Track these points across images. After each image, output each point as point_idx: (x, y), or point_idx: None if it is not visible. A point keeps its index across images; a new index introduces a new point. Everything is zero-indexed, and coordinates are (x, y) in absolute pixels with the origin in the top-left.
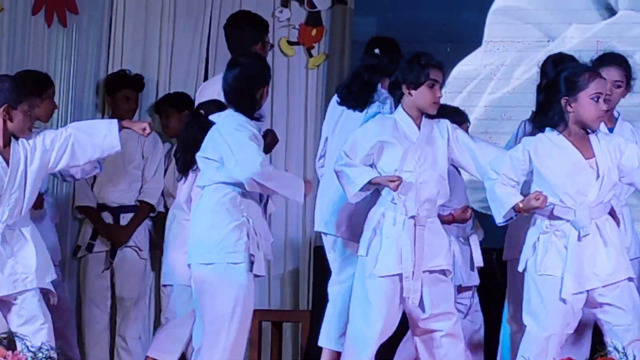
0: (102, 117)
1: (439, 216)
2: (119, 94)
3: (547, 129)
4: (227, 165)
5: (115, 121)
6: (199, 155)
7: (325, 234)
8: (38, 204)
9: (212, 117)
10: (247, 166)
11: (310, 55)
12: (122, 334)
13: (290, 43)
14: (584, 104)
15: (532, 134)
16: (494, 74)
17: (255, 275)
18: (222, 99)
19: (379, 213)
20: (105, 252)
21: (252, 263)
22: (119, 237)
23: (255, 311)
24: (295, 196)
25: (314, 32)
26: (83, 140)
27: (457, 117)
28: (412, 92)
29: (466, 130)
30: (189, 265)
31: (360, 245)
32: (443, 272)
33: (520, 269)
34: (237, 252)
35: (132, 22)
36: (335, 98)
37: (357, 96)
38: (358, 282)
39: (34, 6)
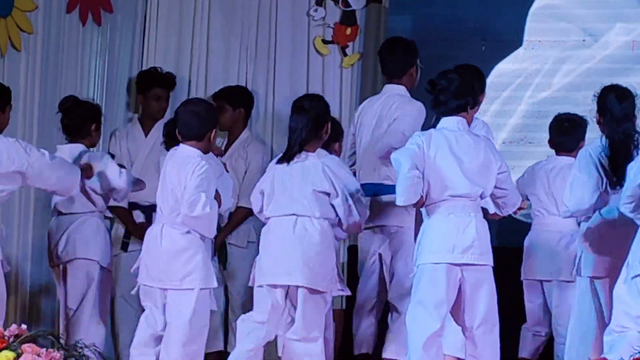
0: (133, 115)
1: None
2: (149, 93)
3: None
4: None
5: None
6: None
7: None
8: None
9: None
10: None
11: (345, 54)
12: None
13: (325, 42)
14: None
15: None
16: (536, 74)
17: None
18: None
19: None
20: (139, 251)
21: None
22: None
23: None
24: None
25: (348, 31)
26: None
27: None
28: (470, 111)
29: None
30: None
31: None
32: None
33: None
34: None
35: (166, 21)
36: None
37: None
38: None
39: (68, 5)
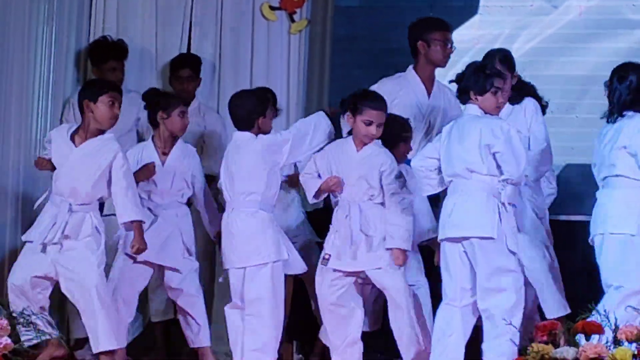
0: None
1: None
2: (105, 66)
3: None
4: None
5: None
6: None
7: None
8: None
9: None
10: None
11: (293, 21)
12: None
13: (272, 8)
14: None
15: None
16: (492, 43)
17: None
18: None
19: None
20: None
21: None
22: None
23: None
24: None
25: None
26: None
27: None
28: (478, 97)
29: None
30: None
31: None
32: None
33: None
34: None
35: None
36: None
37: None
38: None
39: None
